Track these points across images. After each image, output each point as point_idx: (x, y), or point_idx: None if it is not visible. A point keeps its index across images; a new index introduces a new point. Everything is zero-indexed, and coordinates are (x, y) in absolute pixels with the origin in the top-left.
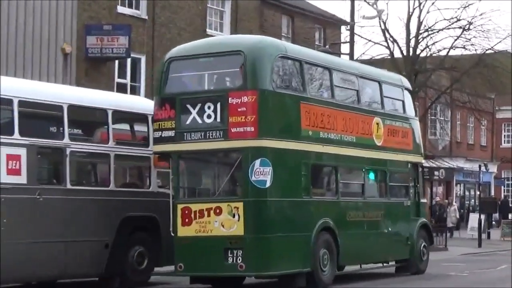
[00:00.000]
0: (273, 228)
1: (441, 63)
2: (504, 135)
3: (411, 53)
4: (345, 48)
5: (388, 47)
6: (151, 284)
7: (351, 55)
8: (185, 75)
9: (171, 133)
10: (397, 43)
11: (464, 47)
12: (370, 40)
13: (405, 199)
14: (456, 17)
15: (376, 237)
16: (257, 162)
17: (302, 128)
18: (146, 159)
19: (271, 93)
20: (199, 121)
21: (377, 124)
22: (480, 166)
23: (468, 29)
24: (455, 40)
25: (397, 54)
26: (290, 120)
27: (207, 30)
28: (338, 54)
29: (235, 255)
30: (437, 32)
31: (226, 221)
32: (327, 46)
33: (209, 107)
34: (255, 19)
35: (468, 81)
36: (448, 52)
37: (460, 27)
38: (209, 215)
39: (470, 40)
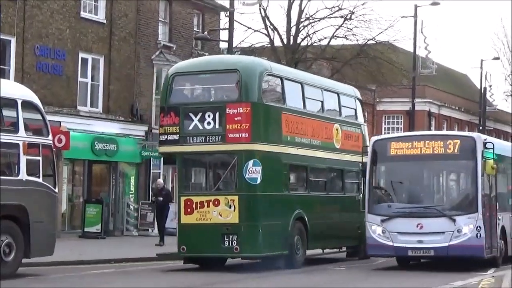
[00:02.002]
0: (262, 217)
1: (322, 52)
2: (385, 127)
3: (291, 42)
4: (224, 35)
5: (268, 35)
6: (19, 276)
7: (230, 42)
8: (187, 88)
9: (175, 137)
10: (278, 31)
11: (345, 37)
12: (249, 28)
13: (356, 194)
14: (337, 6)
15: (335, 226)
16: (250, 162)
17: (283, 134)
18: (14, 146)
19: (261, 105)
20: (200, 127)
21: (337, 129)
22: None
23: (350, 18)
24: (337, 29)
25: (278, 42)
26: (274, 127)
27: (81, 12)
28: (217, 41)
29: (230, 239)
30: (318, 21)
31: (223, 211)
32: (205, 33)
33: (209, 116)
34: (132, 2)
35: (349, 72)
36: (329, 41)
37: (341, 17)
38: (208, 206)
39: (351, 30)
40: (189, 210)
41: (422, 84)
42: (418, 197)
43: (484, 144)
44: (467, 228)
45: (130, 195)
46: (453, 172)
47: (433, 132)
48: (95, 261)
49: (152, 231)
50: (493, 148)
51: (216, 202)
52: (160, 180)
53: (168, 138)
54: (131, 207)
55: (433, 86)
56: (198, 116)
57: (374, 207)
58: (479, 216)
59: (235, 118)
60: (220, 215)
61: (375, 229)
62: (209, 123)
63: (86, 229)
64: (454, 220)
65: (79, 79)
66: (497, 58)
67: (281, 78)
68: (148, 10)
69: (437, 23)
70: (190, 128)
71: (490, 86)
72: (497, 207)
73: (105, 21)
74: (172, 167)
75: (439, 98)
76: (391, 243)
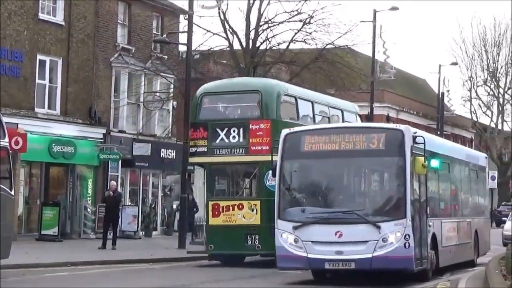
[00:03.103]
0: None
1: (280, 56)
2: None
3: (250, 46)
4: (183, 37)
5: (227, 39)
6: None
7: (188, 45)
8: (214, 106)
9: (204, 149)
10: (237, 35)
11: (304, 41)
12: (209, 31)
13: None
14: (297, 10)
15: None
16: (270, 172)
17: None
18: None
19: (280, 121)
20: (226, 140)
21: None
22: None
23: (309, 22)
24: (296, 33)
25: (237, 45)
26: None
27: (39, 14)
28: (176, 43)
29: (253, 239)
30: (278, 24)
31: (246, 214)
32: (164, 36)
33: (234, 131)
34: (90, 4)
35: (308, 76)
36: (288, 45)
37: (300, 21)
38: (233, 210)
39: (310, 34)
40: (216, 213)
41: (380, 89)
42: (337, 200)
43: (414, 138)
44: (393, 237)
45: (88, 198)
46: (378, 170)
47: (355, 124)
48: (52, 264)
49: (110, 234)
50: (424, 143)
51: (240, 206)
52: (113, 182)
53: (197, 150)
54: (89, 209)
55: (392, 90)
56: (224, 131)
57: (285, 212)
58: (408, 222)
59: (257, 133)
60: (244, 218)
61: (286, 238)
62: (234, 137)
63: (43, 232)
64: (378, 227)
65: (37, 81)
66: (455, 64)
67: (295, 98)
68: (107, 12)
69: (396, 28)
70: (217, 141)
71: (448, 91)
72: (428, 212)
73: (63, 23)
74: (130, 170)
75: (398, 102)
76: (304, 254)
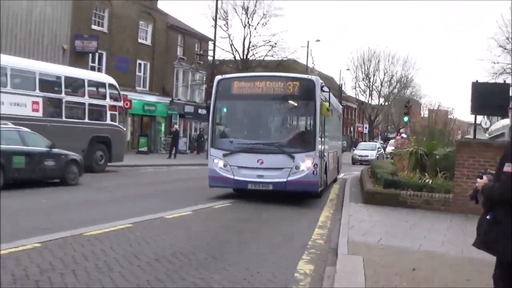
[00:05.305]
0: None
1: (259, 64)
2: None
3: (244, 57)
4: (211, 52)
5: (233, 54)
6: (107, 171)
7: (213, 56)
8: None
9: None
10: (238, 52)
11: (272, 56)
12: (223, 49)
13: None
14: (268, 40)
15: None
16: None
17: None
18: (103, 106)
19: None
20: None
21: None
22: None
23: (274, 47)
24: (267, 52)
25: (237, 57)
26: None
27: (138, 39)
28: (207, 55)
29: None
30: (258, 47)
31: None
32: (201, 51)
33: None
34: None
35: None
36: (264, 58)
37: (270, 45)
38: None
39: (275, 52)
40: None
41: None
42: (259, 134)
43: (321, 87)
44: (304, 165)
45: (161, 133)
46: (294, 111)
47: (276, 74)
48: (144, 165)
49: (173, 151)
50: (329, 92)
51: None
52: (176, 126)
53: None
54: (162, 139)
55: None
56: None
57: (217, 142)
58: (316, 154)
59: None
60: None
61: (217, 163)
62: None
63: (140, 149)
64: (293, 157)
65: (137, 73)
66: (348, 69)
67: None
68: (174, 36)
69: (319, 48)
70: None
71: (345, 83)
72: (325, 146)
73: (150, 44)
74: (183, 120)
75: None
76: (232, 176)
